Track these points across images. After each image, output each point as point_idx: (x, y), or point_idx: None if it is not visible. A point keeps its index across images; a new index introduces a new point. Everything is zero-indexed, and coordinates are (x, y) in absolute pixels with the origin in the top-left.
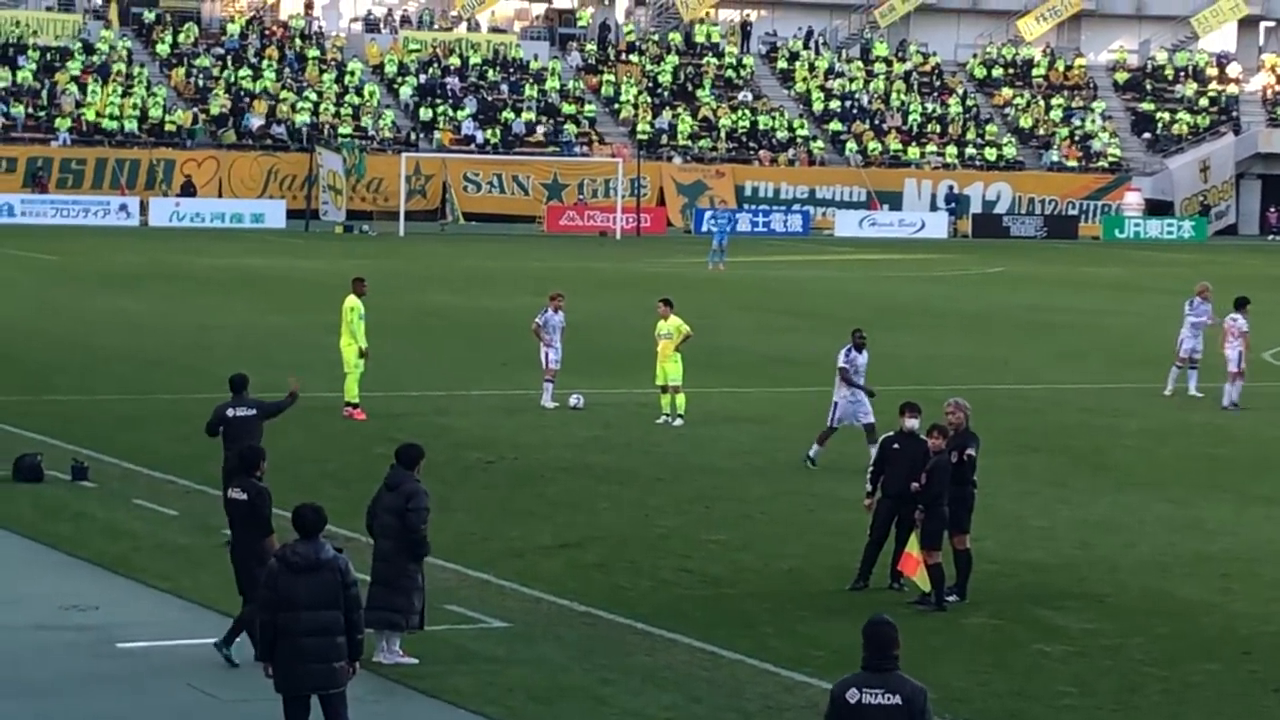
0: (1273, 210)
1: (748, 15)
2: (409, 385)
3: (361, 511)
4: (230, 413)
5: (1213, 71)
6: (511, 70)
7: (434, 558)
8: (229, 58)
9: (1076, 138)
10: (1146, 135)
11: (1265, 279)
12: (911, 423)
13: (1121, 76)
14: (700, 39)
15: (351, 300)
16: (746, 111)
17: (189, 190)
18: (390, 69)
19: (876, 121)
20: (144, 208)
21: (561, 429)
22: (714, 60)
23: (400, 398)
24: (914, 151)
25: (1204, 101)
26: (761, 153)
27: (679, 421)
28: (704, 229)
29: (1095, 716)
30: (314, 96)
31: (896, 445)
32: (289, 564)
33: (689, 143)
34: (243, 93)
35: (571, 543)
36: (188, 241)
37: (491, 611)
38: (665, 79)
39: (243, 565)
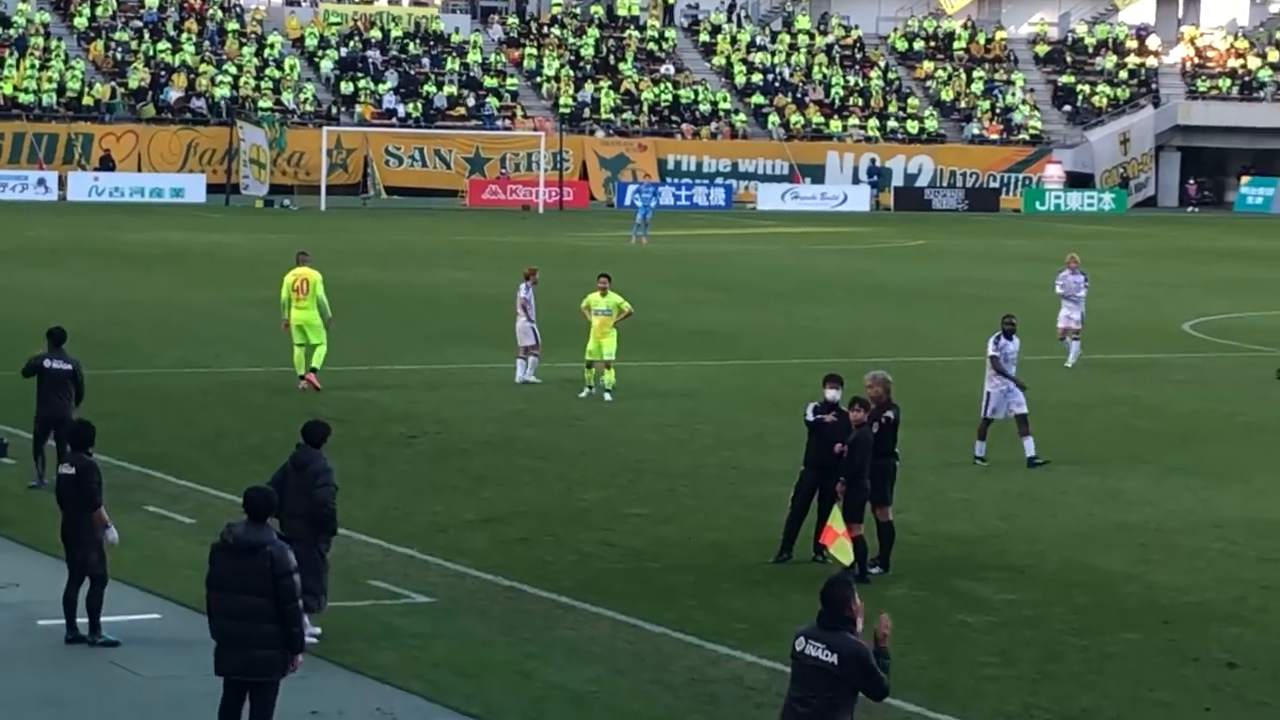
0: (1192, 182)
1: None
2: (331, 360)
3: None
4: (47, 364)
5: (1132, 44)
6: (433, 43)
7: (357, 533)
8: (147, 31)
9: (997, 111)
10: (1067, 108)
11: (1184, 251)
12: (834, 394)
13: (1042, 49)
14: (622, 12)
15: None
16: (669, 85)
17: (108, 164)
18: (310, 42)
19: (798, 95)
20: (62, 182)
21: (484, 403)
22: (636, 34)
23: (323, 372)
24: (836, 125)
25: (1124, 74)
26: (684, 126)
27: (609, 397)
28: (627, 203)
29: (1017, 686)
30: (234, 70)
31: (821, 416)
32: (225, 545)
33: (611, 116)
34: (162, 66)
35: (495, 517)
36: (107, 216)
37: (415, 586)
38: (587, 52)
39: (72, 542)
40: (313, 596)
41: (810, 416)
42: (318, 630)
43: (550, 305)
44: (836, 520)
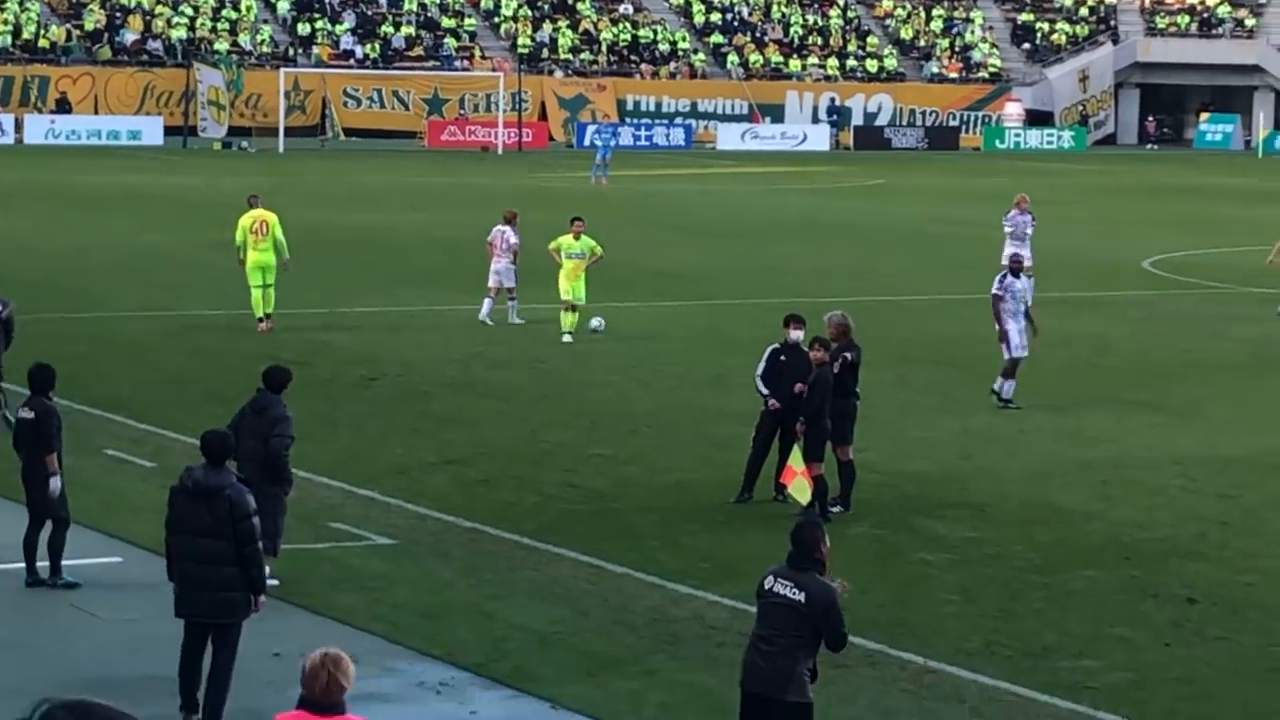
0: (1151, 120)
1: None
2: (290, 303)
3: None
4: None
5: None
6: None
7: (318, 475)
8: None
9: (957, 49)
10: (1026, 45)
11: (1143, 188)
12: (796, 334)
13: None
14: None
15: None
16: (627, 25)
17: (64, 107)
18: None
19: (757, 34)
20: (19, 125)
21: (445, 345)
22: None
23: (281, 315)
24: (795, 64)
25: (1083, 11)
26: (643, 66)
27: (569, 339)
28: (586, 143)
29: (978, 624)
30: (190, 11)
31: (783, 357)
32: (184, 488)
33: (570, 57)
34: (118, 8)
35: (456, 459)
36: (64, 159)
37: (376, 529)
38: None
39: (32, 485)
40: (268, 540)
41: (763, 368)
42: (273, 579)
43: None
44: (796, 460)
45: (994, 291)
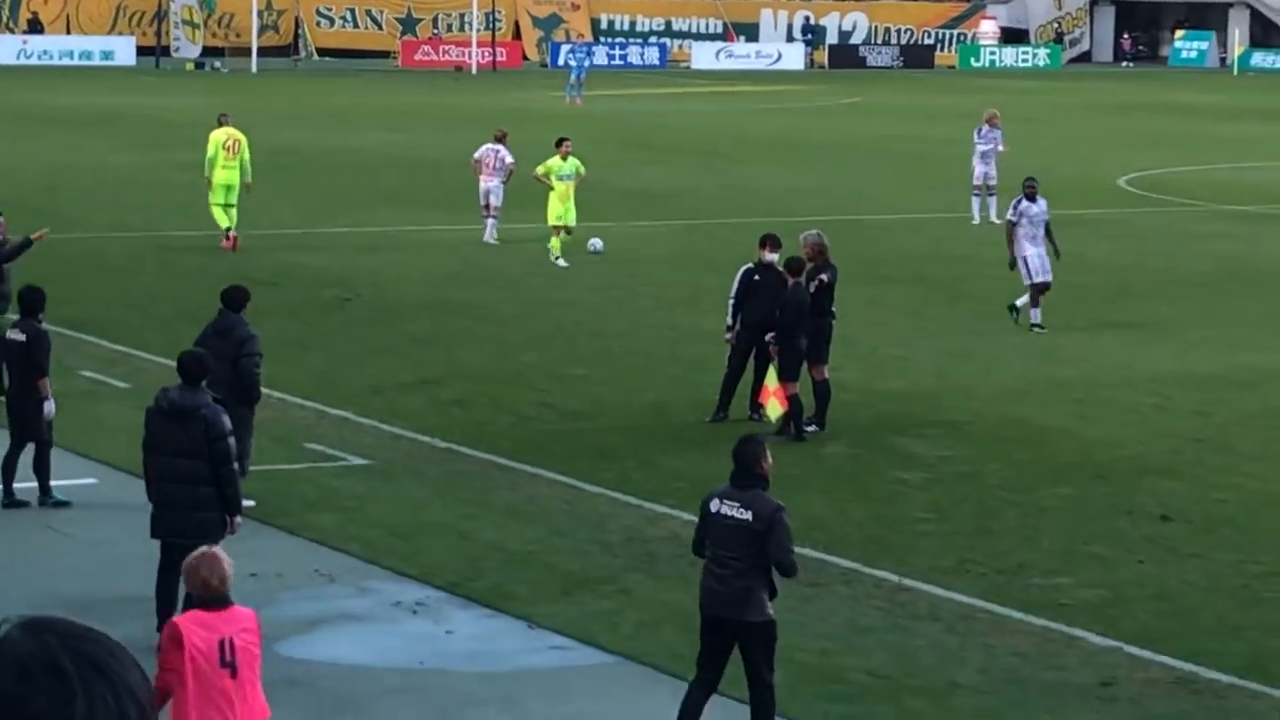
0: (1126, 37)
1: None
2: (264, 223)
3: None
4: None
5: None
6: None
7: (292, 396)
8: None
9: None
10: None
11: (1119, 106)
12: (771, 255)
13: None
14: None
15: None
16: None
17: (36, 27)
18: None
19: None
20: None
21: (419, 265)
22: None
23: (254, 235)
24: None
25: None
26: None
27: (564, 263)
28: (561, 62)
29: (952, 541)
30: None
31: (757, 277)
32: (160, 409)
33: None
34: None
35: (431, 379)
36: (36, 80)
37: (352, 449)
38: None
39: (18, 408)
40: (238, 460)
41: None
42: (249, 500)
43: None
44: (772, 379)
45: (1009, 218)
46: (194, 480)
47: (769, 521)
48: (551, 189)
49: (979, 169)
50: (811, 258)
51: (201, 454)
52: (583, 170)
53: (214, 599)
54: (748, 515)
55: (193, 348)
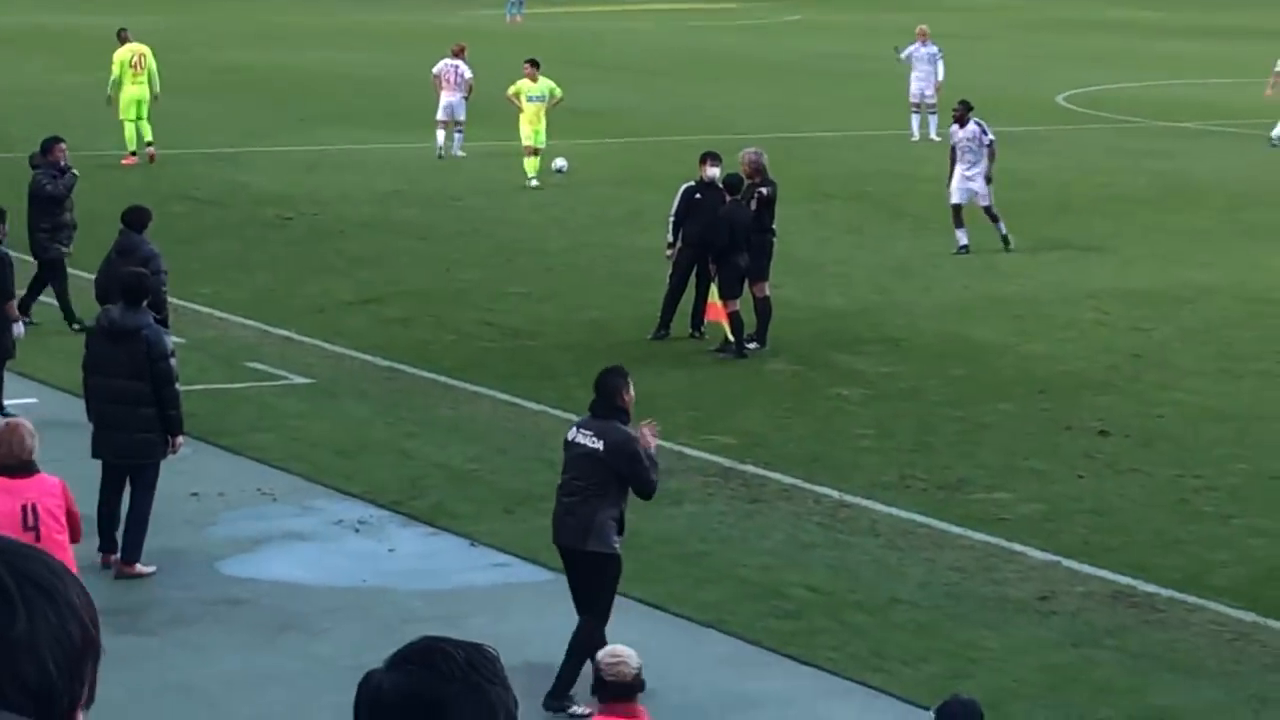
0: None
1: None
2: (204, 143)
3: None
4: None
5: None
6: None
7: (233, 315)
8: None
9: None
10: None
11: (1057, 22)
12: (713, 171)
13: None
14: None
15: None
16: None
17: None
18: None
19: None
20: None
21: (361, 185)
22: None
23: (196, 155)
24: None
25: None
26: None
27: (536, 183)
28: None
29: (894, 458)
30: None
31: (698, 195)
32: (101, 329)
33: None
34: None
35: (373, 298)
36: None
37: (294, 368)
38: None
39: None
40: None
41: (676, 206)
42: None
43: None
44: (716, 297)
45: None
46: (135, 401)
47: (619, 451)
48: (521, 110)
49: (915, 85)
50: (749, 175)
51: (143, 374)
52: (558, 92)
53: (18, 466)
54: (599, 445)
55: (135, 267)
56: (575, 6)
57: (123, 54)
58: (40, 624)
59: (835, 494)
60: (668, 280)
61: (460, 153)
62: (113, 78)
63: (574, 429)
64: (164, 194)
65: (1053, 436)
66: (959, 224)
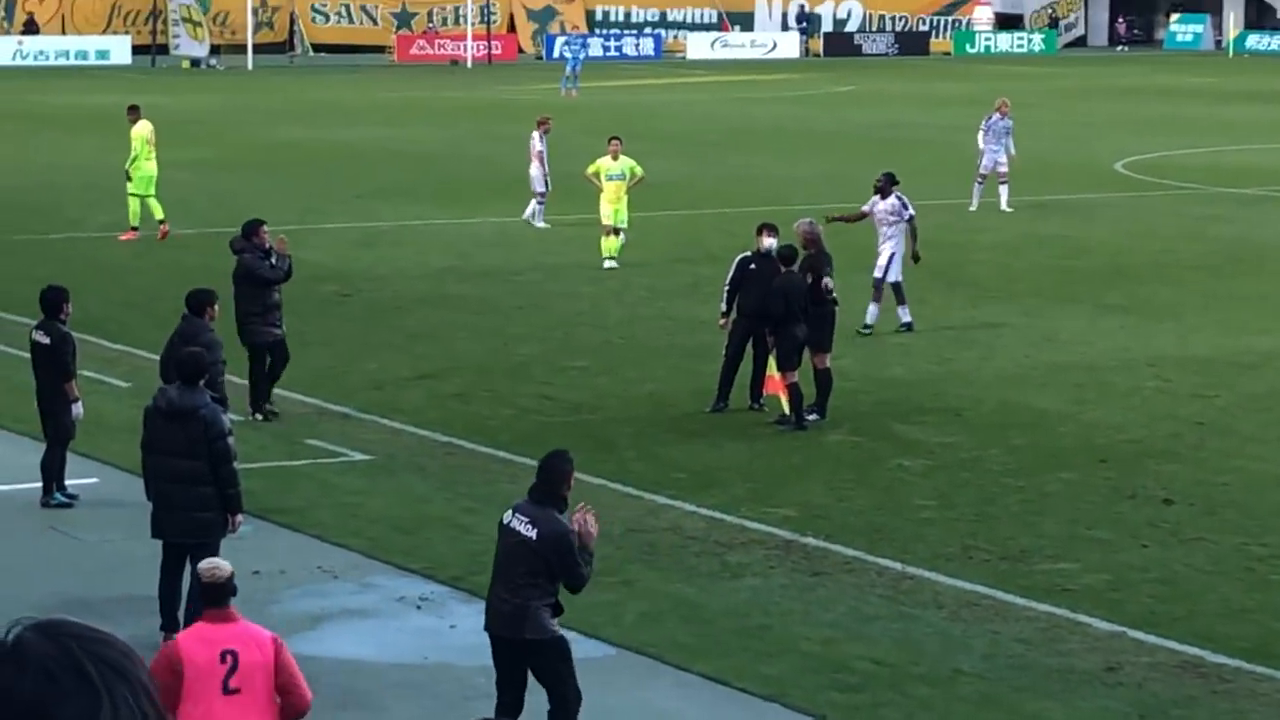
0: (1121, 21)
1: None
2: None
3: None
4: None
5: None
6: None
7: (293, 392)
8: None
9: None
10: None
11: (1114, 90)
12: (769, 242)
13: None
14: None
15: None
16: None
17: (32, 28)
18: None
19: None
20: None
21: (418, 259)
22: None
23: None
24: None
25: None
26: None
27: (614, 264)
28: (556, 55)
29: (955, 528)
30: None
31: (753, 265)
32: (159, 408)
33: None
34: None
35: (431, 373)
36: (33, 80)
37: (353, 444)
38: None
39: (48, 411)
40: None
41: (731, 276)
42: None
43: (479, 159)
44: (774, 369)
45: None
46: (194, 480)
47: (552, 543)
48: (601, 190)
49: (987, 156)
50: (805, 246)
51: (201, 454)
52: (638, 170)
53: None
54: (532, 533)
55: (192, 347)
56: (630, 80)
57: (146, 131)
58: (122, 707)
59: (898, 566)
60: (724, 352)
61: (539, 224)
62: (136, 153)
63: (510, 512)
64: (222, 270)
65: (1116, 505)
66: (876, 298)
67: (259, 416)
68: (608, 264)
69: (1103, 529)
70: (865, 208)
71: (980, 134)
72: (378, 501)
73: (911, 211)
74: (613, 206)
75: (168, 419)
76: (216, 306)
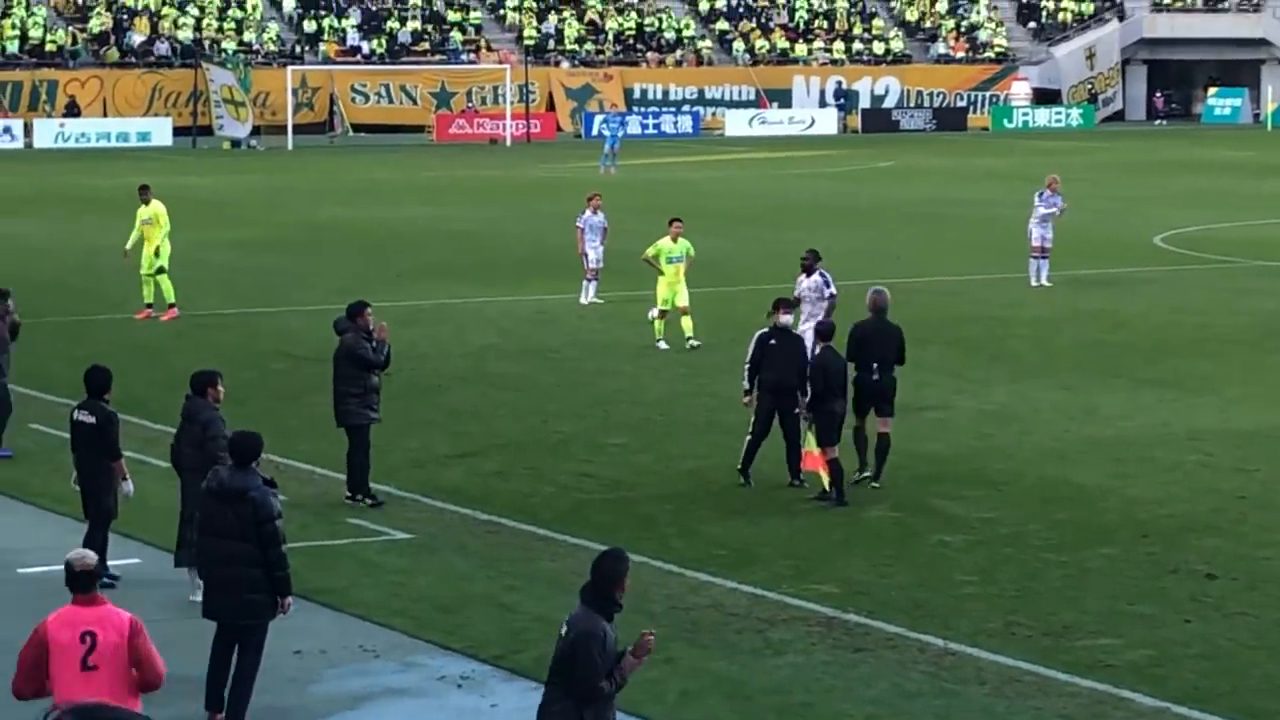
0: (1159, 95)
1: None
2: (302, 299)
3: (260, 428)
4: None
5: None
6: None
7: (334, 471)
8: None
9: (963, 29)
10: (1032, 24)
11: (1153, 164)
12: (785, 319)
13: None
14: None
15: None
16: (633, 13)
17: (73, 110)
18: None
19: (763, 20)
20: (28, 130)
21: (458, 338)
22: None
23: (293, 312)
24: (801, 48)
25: None
26: (649, 54)
27: (697, 343)
28: (594, 133)
29: (997, 604)
30: (196, 12)
31: (773, 341)
32: (210, 489)
33: (576, 47)
34: (124, 10)
35: (472, 451)
36: (74, 162)
37: (394, 523)
38: None
39: (89, 491)
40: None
41: (751, 353)
42: None
43: (519, 237)
44: (811, 444)
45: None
46: (244, 562)
47: (574, 646)
48: (661, 273)
49: (1037, 232)
50: (872, 311)
51: (251, 536)
52: (692, 252)
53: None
54: (563, 630)
55: (247, 429)
56: (668, 157)
57: (163, 214)
58: None
59: (940, 642)
60: (749, 430)
61: (587, 300)
62: (164, 231)
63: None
64: (262, 351)
65: (1158, 580)
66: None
67: (359, 500)
68: (661, 345)
69: (1145, 604)
70: (796, 291)
71: (1033, 210)
72: (419, 580)
73: (833, 290)
74: (672, 290)
75: (219, 500)
76: (220, 387)
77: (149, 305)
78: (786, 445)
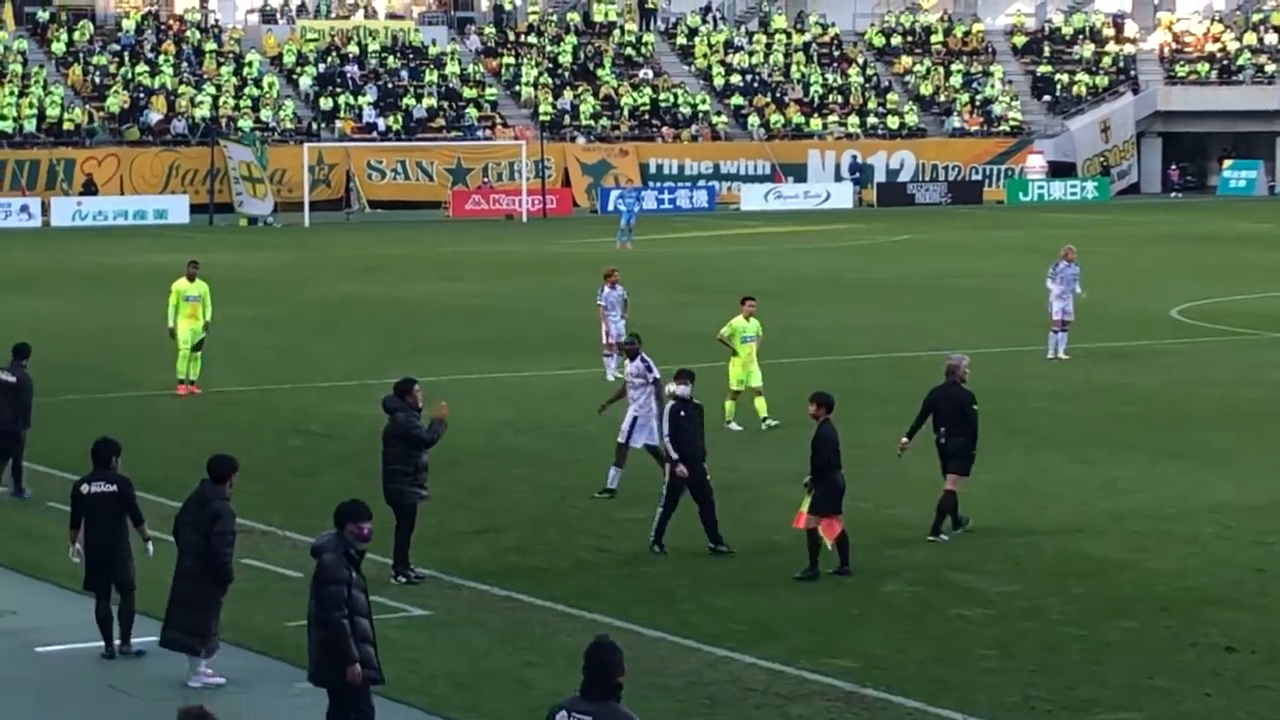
0: (1174, 168)
1: None
2: (319, 376)
3: (278, 506)
4: None
5: (1109, 32)
6: (411, 56)
7: None
8: (125, 54)
9: (977, 103)
10: (1047, 98)
11: (1169, 237)
12: (683, 390)
13: (1019, 40)
14: (599, 18)
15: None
16: (648, 89)
17: (90, 189)
18: (289, 59)
19: (778, 94)
20: (45, 208)
21: (474, 414)
22: (615, 38)
23: (311, 389)
24: (816, 123)
25: (1104, 61)
26: (665, 130)
27: (773, 422)
28: (610, 208)
29: (1016, 678)
30: (213, 90)
31: (682, 413)
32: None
33: (592, 122)
34: (141, 89)
35: (489, 527)
36: (91, 241)
37: (412, 600)
38: (565, 59)
39: (107, 560)
40: (198, 639)
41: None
42: (216, 677)
43: (535, 313)
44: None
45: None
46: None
47: None
48: (735, 353)
49: (1057, 305)
50: (948, 376)
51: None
52: (761, 331)
53: None
54: None
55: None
56: (684, 232)
57: (207, 290)
58: None
59: (959, 716)
60: (665, 499)
61: (611, 376)
62: (210, 311)
63: (563, 712)
64: (280, 429)
65: (1178, 654)
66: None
67: (403, 579)
68: (734, 426)
69: (1165, 678)
70: (625, 375)
71: (1049, 282)
72: (437, 657)
73: (656, 374)
74: (746, 370)
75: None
76: (236, 476)
77: (191, 381)
78: (700, 508)
